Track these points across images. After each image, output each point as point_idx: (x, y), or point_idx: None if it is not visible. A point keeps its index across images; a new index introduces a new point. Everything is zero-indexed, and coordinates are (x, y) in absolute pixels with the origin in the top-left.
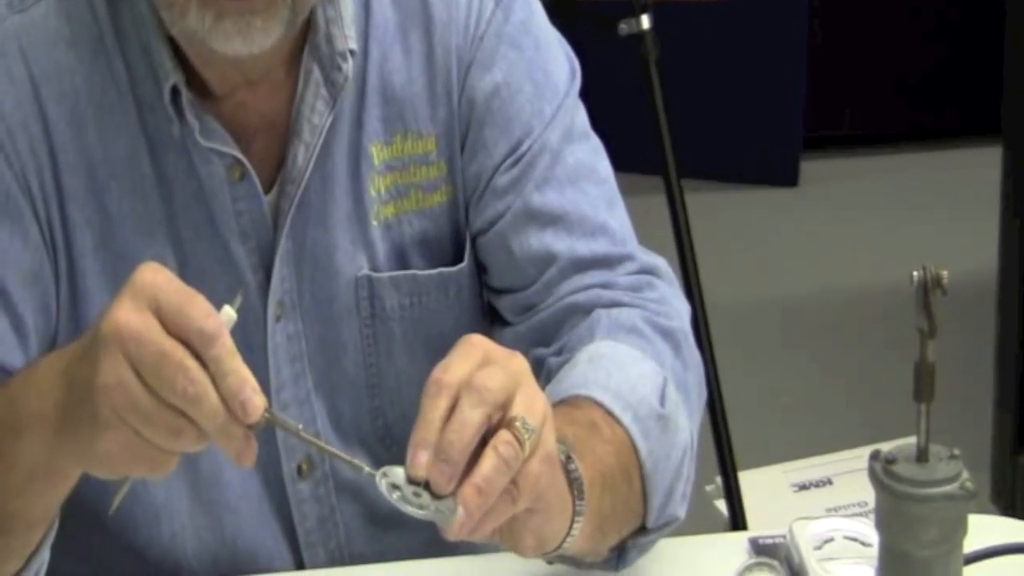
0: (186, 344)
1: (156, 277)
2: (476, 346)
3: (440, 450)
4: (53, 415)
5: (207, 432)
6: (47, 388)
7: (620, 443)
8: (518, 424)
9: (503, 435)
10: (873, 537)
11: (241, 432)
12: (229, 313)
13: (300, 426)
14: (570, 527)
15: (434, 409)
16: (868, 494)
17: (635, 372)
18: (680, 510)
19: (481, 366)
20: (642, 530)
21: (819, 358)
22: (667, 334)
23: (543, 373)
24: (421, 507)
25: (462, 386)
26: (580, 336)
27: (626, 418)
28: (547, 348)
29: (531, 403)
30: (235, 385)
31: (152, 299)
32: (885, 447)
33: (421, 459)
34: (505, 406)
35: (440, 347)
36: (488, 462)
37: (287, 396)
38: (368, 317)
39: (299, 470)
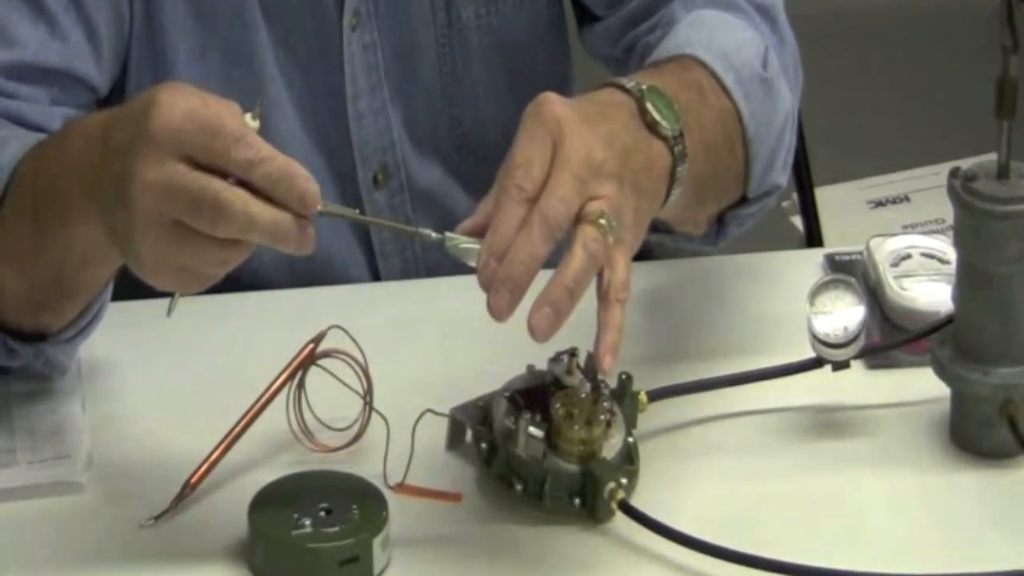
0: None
1: (171, 119)
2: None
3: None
4: (101, 228)
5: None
6: (88, 194)
7: (725, 110)
8: (603, 221)
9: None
10: (951, 254)
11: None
12: (249, 124)
13: (357, 211)
14: (667, 194)
15: (510, 218)
16: (946, 211)
17: (737, 37)
18: (781, 178)
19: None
20: (742, 201)
21: (898, 73)
22: (763, 11)
23: (636, 52)
24: None
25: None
26: (674, 12)
27: (728, 79)
28: (639, 28)
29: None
30: (284, 179)
31: (175, 146)
32: (964, 164)
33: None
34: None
35: (516, 57)
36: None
37: (363, 106)
38: (444, 27)
39: (375, 179)
